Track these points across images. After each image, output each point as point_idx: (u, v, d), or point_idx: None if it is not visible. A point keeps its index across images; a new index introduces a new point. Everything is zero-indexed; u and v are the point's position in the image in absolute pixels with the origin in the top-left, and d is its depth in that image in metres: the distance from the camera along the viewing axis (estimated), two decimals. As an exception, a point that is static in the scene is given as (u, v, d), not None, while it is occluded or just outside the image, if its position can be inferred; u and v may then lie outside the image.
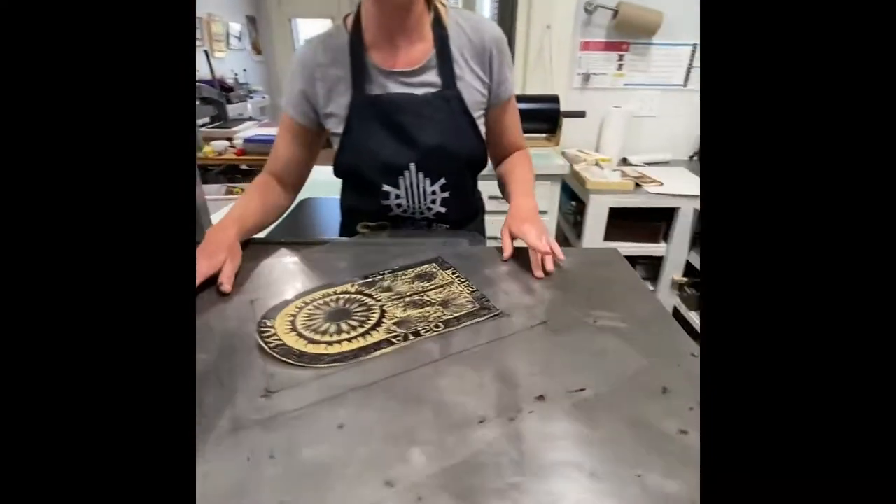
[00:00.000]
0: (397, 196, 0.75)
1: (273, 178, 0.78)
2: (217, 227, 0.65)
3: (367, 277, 0.64)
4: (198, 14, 4.20)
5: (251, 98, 4.45)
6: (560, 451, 0.37)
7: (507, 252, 0.67)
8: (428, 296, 0.59)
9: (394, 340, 0.50)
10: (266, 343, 0.50)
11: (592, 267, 0.68)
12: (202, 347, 0.49)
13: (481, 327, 0.52)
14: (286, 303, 0.58)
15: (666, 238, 1.79)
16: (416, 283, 0.62)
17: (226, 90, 3.81)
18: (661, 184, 1.70)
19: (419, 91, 0.71)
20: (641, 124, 2.00)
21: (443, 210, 0.77)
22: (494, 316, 0.54)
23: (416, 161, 0.72)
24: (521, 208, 0.72)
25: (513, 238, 0.68)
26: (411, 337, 0.51)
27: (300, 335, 0.52)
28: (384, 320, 0.54)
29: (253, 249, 0.71)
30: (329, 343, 0.51)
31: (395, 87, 0.71)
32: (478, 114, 0.75)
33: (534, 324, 0.53)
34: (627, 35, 1.86)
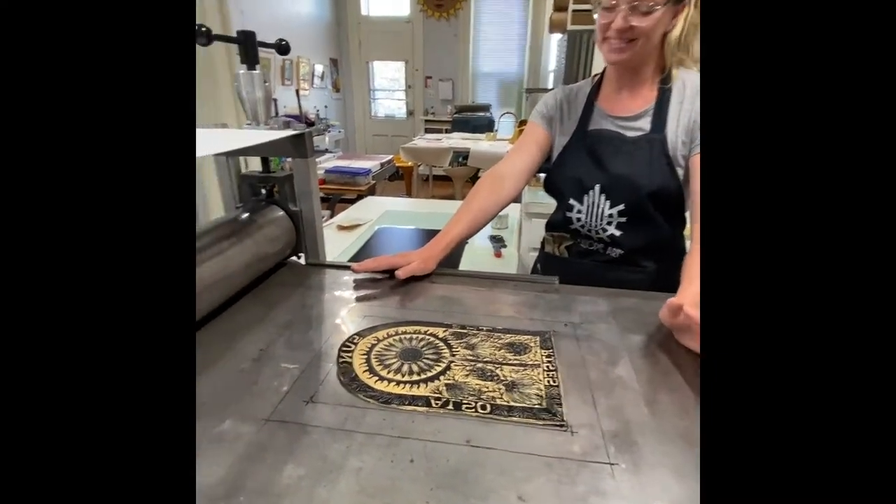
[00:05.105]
0: (579, 211, 0.86)
1: (507, 175, 0.91)
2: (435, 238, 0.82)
3: (464, 327, 0.62)
4: (290, 57, 4.79)
5: (329, 132, 4.96)
6: None
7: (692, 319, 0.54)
8: (502, 370, 0.53)
9: (433, 403, 0.47)
10: (340, 356, 0.55)
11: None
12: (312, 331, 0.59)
13: (526, 433, 0.44)
14: (385, 325, 0.62)
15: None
16: (502, 350, 0.57)
17: (308, 125, 4.31)
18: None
19: (629, 133, 0.81)
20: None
21: (617, 233, 0.84)
22: (551, 426, 0.45)
23: (601, 184, 0.82)
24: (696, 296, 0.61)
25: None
26: (451, 407, 0.47)
27: (367, 361, 0.54)
28: (441, 377, 0.52)
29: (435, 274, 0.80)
30: (381, 378, 0.51)
31: (610, 127, 0.83)
32: (679, 157, 0.80)
33: (588, 458, 0.41)
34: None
